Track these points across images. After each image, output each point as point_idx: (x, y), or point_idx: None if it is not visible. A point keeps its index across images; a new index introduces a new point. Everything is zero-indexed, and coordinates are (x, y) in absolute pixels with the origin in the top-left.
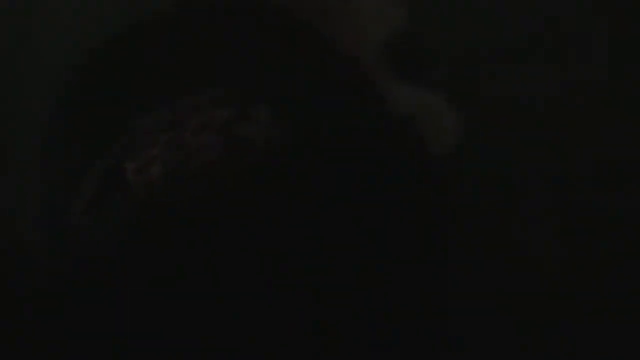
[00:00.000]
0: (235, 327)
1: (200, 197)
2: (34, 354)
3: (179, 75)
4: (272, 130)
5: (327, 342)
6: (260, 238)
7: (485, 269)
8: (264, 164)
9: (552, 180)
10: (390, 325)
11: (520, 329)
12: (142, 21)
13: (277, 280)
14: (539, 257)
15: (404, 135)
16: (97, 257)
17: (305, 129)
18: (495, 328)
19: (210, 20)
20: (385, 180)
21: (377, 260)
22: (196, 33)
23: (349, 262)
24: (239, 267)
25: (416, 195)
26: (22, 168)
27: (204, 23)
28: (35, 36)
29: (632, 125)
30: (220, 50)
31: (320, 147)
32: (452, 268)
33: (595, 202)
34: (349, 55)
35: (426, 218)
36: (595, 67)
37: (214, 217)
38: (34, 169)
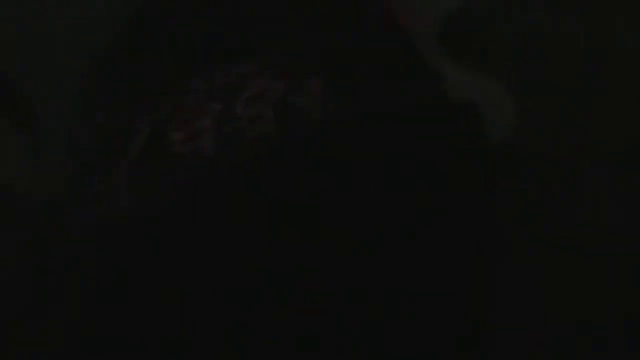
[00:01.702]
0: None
1: (254, 171)
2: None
3: (231, 39)
4: (328, 105)
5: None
6: (314, 213)
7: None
8: (319, 138)
9: (608, 163)
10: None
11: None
12: None
13: (333, 254)
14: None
15: (464, 120)
16: (138, 224)
17: (362, 105)
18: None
19: None
20: (441, 166)
21: (428, 245)
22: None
23: (398, 245)
24: (295, 243)
25: (476, 183)
26: (62, 128)
27: None
28: None
29: None
30: (277, 18)
31: (376, 125)
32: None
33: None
34: (407, 35)
35: (485, 208)
36: None
37: (268, 192)
38: (77, 127)
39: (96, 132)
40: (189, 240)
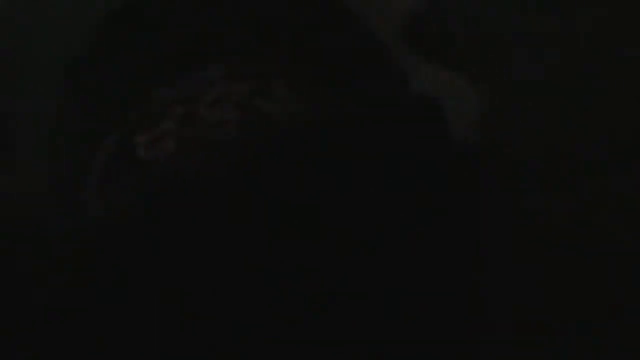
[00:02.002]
0: (249, 301)
1: (215, 173)
2: (50, 330)
3: (195, 47)
4: (292, 107)
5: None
6: (277, 215)
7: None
8: (283, 140)
9: (574, 162)
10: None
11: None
12: None
13: (291, 257)
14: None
15: (426, 115)
16: (108, 233)
17: (326, 106)
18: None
19: None
20: (405, 160)
21: (396, 241)
22: (217, 4)
23: (365, 246)
24: (255, 245)
25: (437, 176)
26: (31, 147)
27: None
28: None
29: None
30: (241, 23)
31: (341, 125)
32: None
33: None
34: (371, 32)
35: (449, 200)
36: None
37: (230, 194)
38: (45, 147)
39: (65, 143)
40: (155, 245)
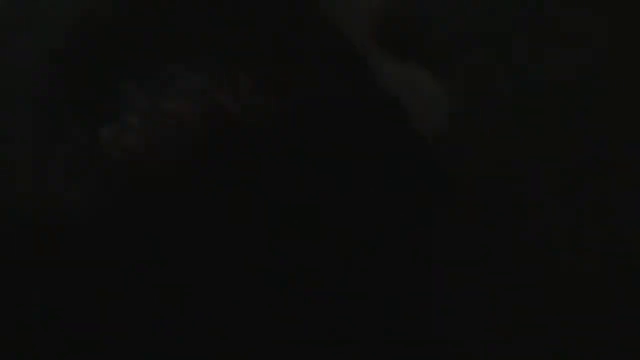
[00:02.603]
0: (211, 303)
1: (175, 166)
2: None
3: (160, 42)
4: (252, 99)
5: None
6: (235, 210)
7: (482, 260)
8: (241, 133)
9: (551, 169)
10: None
11: (518, 325)
12: None
13: (253, 256)
14: (540, 247)
15: (389, 111)
16: (70, 226)
17: (288, 98)
18: (491, 324)
19: None
20: (366, 155)
21: (360, 240)
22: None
23: (330, 243)
24: (215, 241)
25: (401, 172)
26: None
27: None
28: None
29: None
30: (203, 17)
31: (301, 118)
32: (443, 253)
33: (597, 191)
34: (337, 27)
35: (413, 195)
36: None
37: (189, 187)
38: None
39: (32, 137)
40: (115, 242)
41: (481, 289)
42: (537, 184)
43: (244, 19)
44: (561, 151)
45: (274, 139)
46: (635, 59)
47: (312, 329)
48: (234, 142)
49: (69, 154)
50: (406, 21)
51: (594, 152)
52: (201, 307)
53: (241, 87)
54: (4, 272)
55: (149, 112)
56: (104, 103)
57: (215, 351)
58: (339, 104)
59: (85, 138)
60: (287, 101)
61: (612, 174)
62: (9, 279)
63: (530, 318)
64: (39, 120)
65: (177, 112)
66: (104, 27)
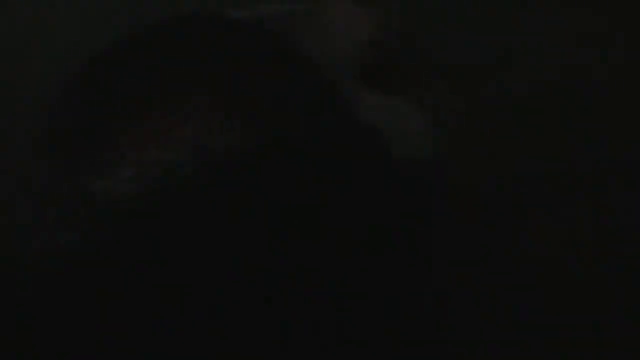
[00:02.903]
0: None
1: (171, 217)
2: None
3: (148, 91)
4: (231, 139)
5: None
6: (236, 253)
7: (481, 273)
8: (233, 176)
9: (551, 179)
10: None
11: (518, 329)
12: (121, 39)
13: (253, 291)
14: (540, 259)
15: (368, 141)
16: (63, 277)
17: (264, 135)
18: (492, 330)
19: (177, 35)
20: (350, 185)
21: (349, 267)
22: (170, 49)
23: (320, 271)
24: (215, 284)
25: (383, 198)
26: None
27: (174, 39)
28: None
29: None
30: (189, 64)
31: (286, 155)
32: (437, 269)
33: (598, 201)
34: (317, 63)
35: (395, 220)
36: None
37: (188, 235)
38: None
39: (26, 191)
40: (113, 290)
41: (481, 289)
42: (537, 184)
43: (225, 64)
44: (561, 151)
45: (249, 176)
46: (636, 59)
47: (311, 328)
48: (224, 182)
49: (63, 204)
50: (389, 53)
51: (594, 152)
52: (197, 317)
53: (227, 129)
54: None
55: (140, 162)
56: (96, 155)
57: (216, 351)
58: (317, 137)
59: (78, 192)
60: (263, 137)
61: (612, 174)
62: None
63: (530, 318)
64: (34, 168)
65: (170, 160)
66: (96, 78)
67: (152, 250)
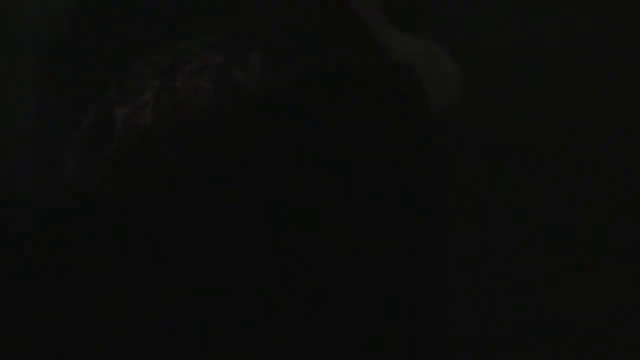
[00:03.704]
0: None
1: (191, 144)
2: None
3: (174, 20)
4: (266, 76)
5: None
6: (252, 185)
7: (487, 228)
8: (256, 110)
9: (554, 135)
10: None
11: (518, 325)
12: None
13: (267, 229)
14: (543, 216)
15: (403, 84)
16: (84, 200)
17: (300, 74)
18: (492, 324)
19: None
20: (379, 129)
21: (369, 211)
22: None
23: (340, 211)
24: (231, 217)
25: (414, 146)
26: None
27: None
28: None
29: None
30: None
31: (313, 93)
32: (451, 226)
33: (603, 159)
34: (347, 3)
35: (425, 170)
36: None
37: (206, 165)
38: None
39: (48, 114)
40: (127, 217)
41: (481, 289)
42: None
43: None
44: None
45: (286, 111)
46: (620, 25)
47: (311, 328)
48: (250, 118)
49: (83, 135)
50: None
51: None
52: (202, 306)
53: (253, 64)
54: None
55: (163, 89)
56: (118, 82)
57: (215, 351)
58: (347, 76)
59: (100, 116)
60: (298, 76)
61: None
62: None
63: (531, 318)
64: (53, 100)
65: (192, 89)
66: (114, 4)
67: (169, 177)
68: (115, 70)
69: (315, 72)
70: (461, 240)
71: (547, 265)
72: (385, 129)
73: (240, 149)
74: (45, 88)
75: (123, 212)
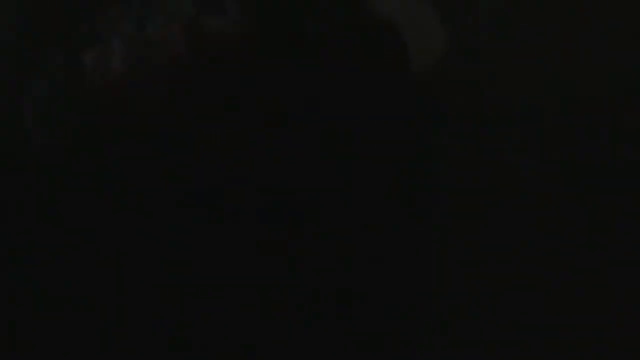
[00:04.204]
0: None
1: (160, 90)
2: None
3: None
4: (243, 23)
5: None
6: (225, 136)
7: (473, 195)
8: (229, 57)
9: (543, 97)
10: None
11: (518, 325)
12: None
13: (239, 189)
14: (529, 181)
15: (384, 41)
16: (48, 158)
17: (276, 22)
18: (492, 324)
19: None
20: (357, 85)
21: (350, 171)
22: None
23: (316, 173)
24: (205, 175)
25: (394, 103)
26: None
27: None
28: None
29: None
30: None
31: (289, 42)
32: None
33: (590, 121)
34: None
35: (406, 131)
36: None
37: (177, 117)
38: None
39: (10, 59)
40: (93, 174)
41: (481, 289)
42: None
43: None
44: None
45: (263, 63)
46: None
47: (309, 328)
48: (223, 66)
49: (50, 78)
50: None
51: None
52: (199, 302)
53: (230, 10)
54: None
55: (133, 36)
56: (87, 26)
57: (215, 351)
58: (326, 26)
59: (68, 60)
60: (276, 23)
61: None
62: None
63: (530, 318)
64: (17, 46)
65: (164, 37)
66: None
67: (139, 127)
68: (83, 14)
69: (292, 24)
70: (461, 240)
71: (547, 265)
72: (364, 89)
73: (213, 101)
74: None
75: (88, 176)
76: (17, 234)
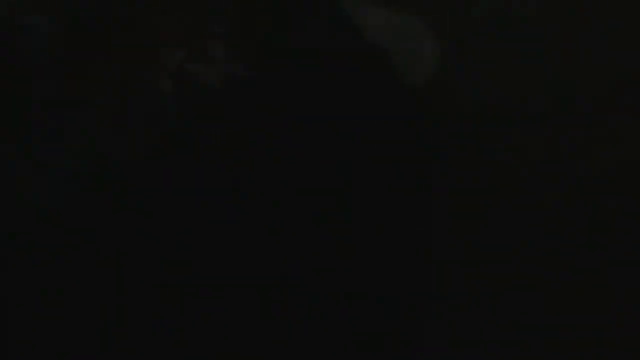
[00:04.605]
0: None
1: (157, 150)
2: None
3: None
4: (229, 67)
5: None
6: (223, 182)
7: (474, 199)
8: (216, 103)
9: (540, 103)
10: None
11: (518, 325)
12: None
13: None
14: (529, 181)
15: (374, 66)
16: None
17: (265, 61)
18: (491, 324)
19: None
20: (350, 114)
21: (347, 199)
22: None
23: (316, 205)
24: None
25: (388, 126)
26: None
27: None
28: None
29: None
30: None
31: (277, 85)
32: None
33: (589, 125)
34: None
35: (400, 151)
36: None
37: (163, 165)
38: None
39: None
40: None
41: (481, 289)
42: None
43: None
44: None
45: (251, 104)
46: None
47: (310, 328)
48: (209, 112)
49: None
50: None
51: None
52: (199, 305)
53: (216, 54)
54: None
55: (124, 88)
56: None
57: (216, 351)
58: (317, 60)
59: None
60: (264, 65)
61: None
62: None
63: (530, 318)
64: None
65: (152, 90)
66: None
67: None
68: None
69: (280, 61)
70: (461, 240)
71: (547, 265)
72: (354, 118)
73: (205, 148)
74: None
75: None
76: (17, 234)
